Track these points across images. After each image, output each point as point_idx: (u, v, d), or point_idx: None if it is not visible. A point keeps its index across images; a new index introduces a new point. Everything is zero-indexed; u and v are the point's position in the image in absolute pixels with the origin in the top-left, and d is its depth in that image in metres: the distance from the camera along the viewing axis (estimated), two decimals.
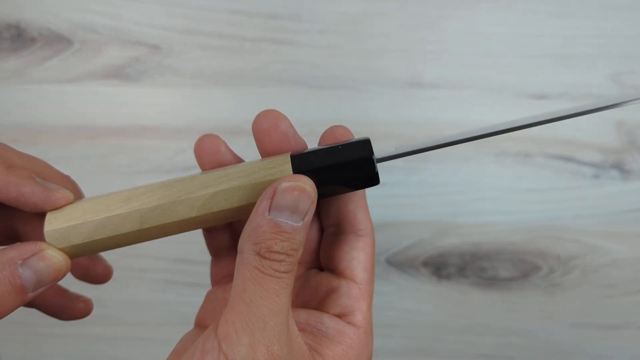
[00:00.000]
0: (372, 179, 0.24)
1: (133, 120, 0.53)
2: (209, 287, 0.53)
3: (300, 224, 0.22)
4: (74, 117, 0.53)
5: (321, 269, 0.27)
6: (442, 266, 0.53)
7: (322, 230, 0.28)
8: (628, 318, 0.53)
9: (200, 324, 0.28)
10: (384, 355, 0.53)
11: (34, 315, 0.31)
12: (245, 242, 0.21)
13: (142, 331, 0.52)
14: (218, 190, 0.23)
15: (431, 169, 0.53)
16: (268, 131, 0.25)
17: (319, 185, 0.23)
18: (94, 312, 0.32)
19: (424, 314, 0.53)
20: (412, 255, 0.53)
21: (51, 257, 0.23)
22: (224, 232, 0.28)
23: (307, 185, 0.22)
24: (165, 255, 0.53)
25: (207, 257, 0.53)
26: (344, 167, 0.23)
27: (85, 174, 0.52)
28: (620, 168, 0.53)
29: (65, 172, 0.29)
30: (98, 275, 0.30)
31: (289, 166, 0.24)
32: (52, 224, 0.24)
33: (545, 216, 0.53)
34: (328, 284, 0.25)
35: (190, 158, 0.53)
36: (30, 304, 0.29)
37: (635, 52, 0.53)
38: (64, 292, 0.30)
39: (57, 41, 0.53)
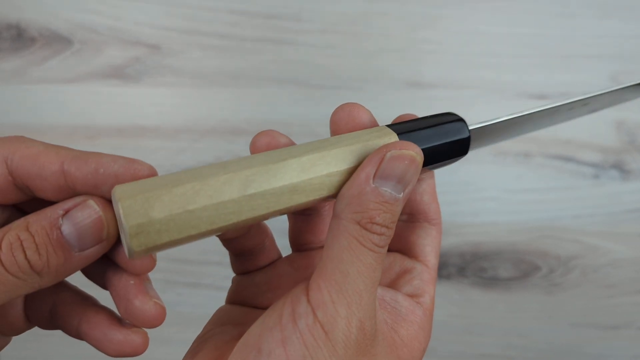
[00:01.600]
0: (464, 146, 0.24)
1: (133, 120, 0.53)
2: (209, 287, 0.53)
3: (401, 195, 0.20)
4: (74, 117, 0.53)
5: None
6: (442, 266, 0.53)
7: None
8: (628, 318, 0.53)
9: (237, 302, 0.27)
10: None
11: None
12: (344, 209, 0.20)
13: None
14: (325, 153, 0.21)
15: None
16: (347, 123, 0.24)
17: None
18: None
19: None
20: None
21: (91, 205, 0.20)
22: (244, 237, 0.26)
23: (417, 155, 0.21)
24: (165, 255, 0.53)
25: (207, 257, 0.53)
26: (441, 134, 0.24)
27: None
28: (620, 168, 0.53)
29: None
30: (145, 313, 0.23)
31: (390, 130, 0.23)
32: (126, 193, 0.19)
33: (545, 216, 0.53)
34: (402, 264, 0.26)
35: (190, 158, 0.53)
36: (76, 334, 0.24)
37: (635, 52, 0.53)
38: (115, 320, 0.24)
39: (57, 41, 0.53)
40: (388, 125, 0.23)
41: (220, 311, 0.27)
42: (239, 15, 0.53)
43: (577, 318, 0.53)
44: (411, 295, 0.24)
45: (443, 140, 0.24)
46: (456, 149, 0.24)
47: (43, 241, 0.19)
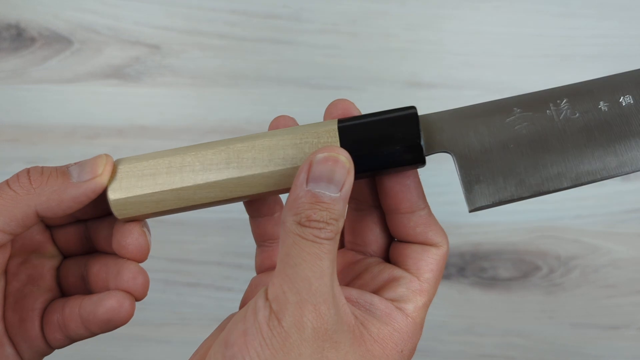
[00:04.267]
0: (418, 160, 0.25)
1: (133, 120, 0.53)
2: (209, 287, 0.53)
3: (338, 195, 0.23)
4: (74, 117, 0.53)
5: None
6: None
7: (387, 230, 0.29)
8: (628, 318, 0.53)
9: (266, 266, 0.30)
10: None
11: None
12: (286, 214, 0.23)
13: (142, 331, 0.52)
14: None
15: (431, 169, 0.53)
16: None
17: (366, 155, 0.24)
18: None
19: None
20: None
21: (99, 158, 0.26)
22: (270, 222, 0.29)
23: (340, 155, 0.23)
24: (165, 255, 0.53)
25: (207, 257, 0.53)
26: (390, 142, 0.25)
27: None
28: None
29: None
30: (131, 244, 0.26)
31: (336, 139, 0.25)
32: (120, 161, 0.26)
33: (545, 216, 0.53)
34: (391, 273, 0.26)
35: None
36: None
37: (635, 52, 0.53)
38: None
39: (57, 41, 0.53)
40: (340, 126, 0.25)
41: (227, 319, 0.27)
42: (239, 15, 0.53)
43: (577, 318, 0.53)
44: (391, 300, 0.25)
45: (392, 151, 0.25)
46: (409, 161, 0.25)
47: (49, 170, 0.25)
